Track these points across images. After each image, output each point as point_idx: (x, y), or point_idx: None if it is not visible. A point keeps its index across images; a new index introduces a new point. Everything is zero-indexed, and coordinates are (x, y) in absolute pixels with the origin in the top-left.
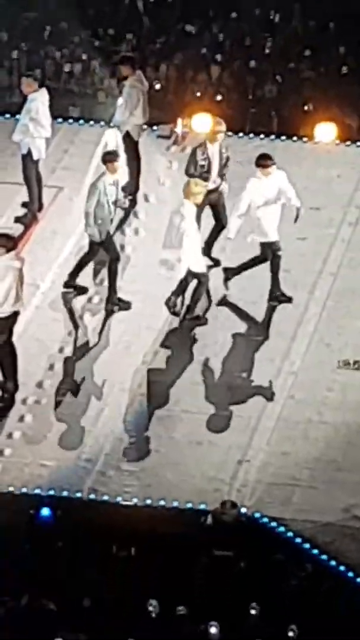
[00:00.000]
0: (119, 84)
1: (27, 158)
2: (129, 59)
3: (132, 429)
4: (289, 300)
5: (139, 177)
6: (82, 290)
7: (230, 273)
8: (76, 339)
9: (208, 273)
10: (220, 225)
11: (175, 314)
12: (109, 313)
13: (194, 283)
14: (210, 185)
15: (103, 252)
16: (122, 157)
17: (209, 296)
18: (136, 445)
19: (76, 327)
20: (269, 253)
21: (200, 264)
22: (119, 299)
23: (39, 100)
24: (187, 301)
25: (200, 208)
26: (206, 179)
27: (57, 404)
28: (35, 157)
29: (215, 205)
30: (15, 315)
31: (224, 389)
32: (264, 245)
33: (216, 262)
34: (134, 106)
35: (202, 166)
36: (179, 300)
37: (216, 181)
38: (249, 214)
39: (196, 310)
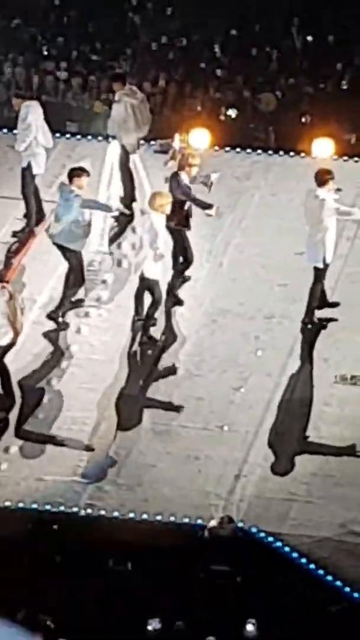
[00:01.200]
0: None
1: (26, 172)
2: (119, 76)
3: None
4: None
5: (134, 191)
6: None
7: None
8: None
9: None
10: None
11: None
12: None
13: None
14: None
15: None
16: (116, 172)
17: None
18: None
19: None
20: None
21: (158, 273)
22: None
23: (31, 110)
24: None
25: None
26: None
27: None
28: (34, 172)
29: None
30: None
31: (222, 403)
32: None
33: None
34: (122, 120)
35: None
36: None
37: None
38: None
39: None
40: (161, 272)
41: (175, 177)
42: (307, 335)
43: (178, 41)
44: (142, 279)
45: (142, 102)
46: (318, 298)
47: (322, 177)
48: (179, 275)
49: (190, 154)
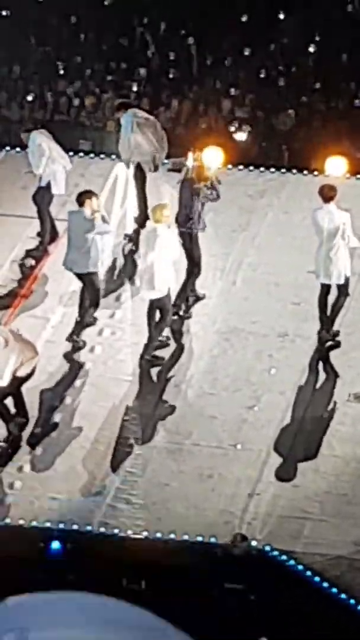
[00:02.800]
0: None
1: (44, 190)
2: (122, 104)
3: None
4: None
5: (147, 210)
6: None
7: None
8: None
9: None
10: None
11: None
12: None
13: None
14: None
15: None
16: (131, 190)
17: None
18: None
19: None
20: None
21: (168, 290)
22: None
23: (37, 135)
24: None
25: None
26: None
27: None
28: (53, 192)
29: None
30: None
31: (235, 422)
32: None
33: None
34: (131, 141)
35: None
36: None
37: None
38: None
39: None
40: (171, 284)
41: (186, 186)
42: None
43: (192, 60)
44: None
45: (152, 125)
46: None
47: (328, 194)
48: (191, 277)
49: (207, 168)
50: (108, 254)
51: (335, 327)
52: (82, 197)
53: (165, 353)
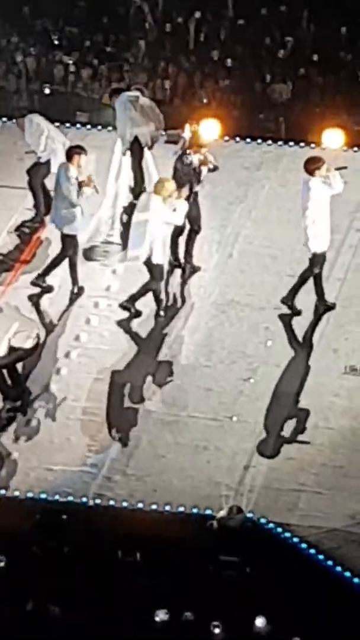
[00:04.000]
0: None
1: (42, 166)
2: (117, 91)
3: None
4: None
5: (143, 182)
6: (49, 289)
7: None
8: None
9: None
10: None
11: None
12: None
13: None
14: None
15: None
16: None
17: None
18: None
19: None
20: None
21: (161, 257)
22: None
23: (33, 116)
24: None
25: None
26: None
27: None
28: (53, 170)
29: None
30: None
31: (231, 394)
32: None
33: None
34: (127, 117)
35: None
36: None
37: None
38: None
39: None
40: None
41: (180, 158)
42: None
43: (188, 31)
44: (147, 263)
45: (147, 105)
46: (303, 283)
47: (309, 167)
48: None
49: (202, 136)
50: (93, 224)
51: (331, 300)
52: (71, 152)
53: (161, 325)
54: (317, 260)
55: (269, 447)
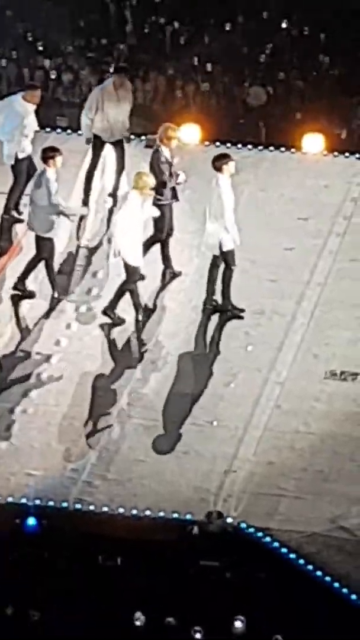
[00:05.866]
0: None
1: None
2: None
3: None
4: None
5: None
6: (30, 295)
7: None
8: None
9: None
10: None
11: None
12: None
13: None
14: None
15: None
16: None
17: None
18: None
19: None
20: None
21: (137, 258)
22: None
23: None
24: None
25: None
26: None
27: None
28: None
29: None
30: None
31: (211, 399)
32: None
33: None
34: (89, 109)
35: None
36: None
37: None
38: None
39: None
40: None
41: (156, 153)
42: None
43: (169, 36)
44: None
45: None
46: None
47: (215, 164)
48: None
49: (170, 128)
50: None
51: (312, 306)
52: (47, 154)
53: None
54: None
55: (164, 444)
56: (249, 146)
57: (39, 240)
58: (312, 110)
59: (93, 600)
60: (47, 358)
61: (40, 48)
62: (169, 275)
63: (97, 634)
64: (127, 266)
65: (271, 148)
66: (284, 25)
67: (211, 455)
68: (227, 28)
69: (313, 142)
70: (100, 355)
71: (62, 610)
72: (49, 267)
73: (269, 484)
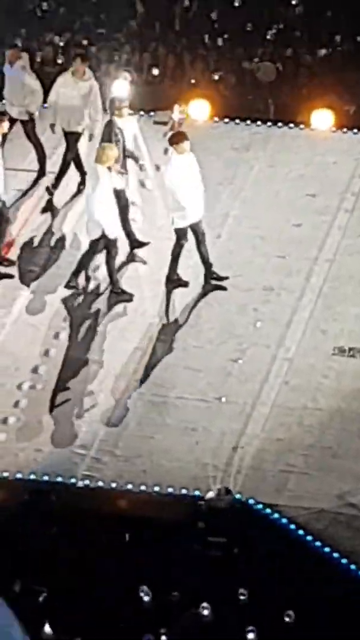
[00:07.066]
0: None
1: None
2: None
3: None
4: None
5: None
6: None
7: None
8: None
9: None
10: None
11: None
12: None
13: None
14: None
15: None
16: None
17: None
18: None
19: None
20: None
21: (113, 230)
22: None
23: None
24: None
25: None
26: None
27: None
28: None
29: None
30: None
31: (219, 375)
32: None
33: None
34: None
35: (118, 141)
36: (80, 279)
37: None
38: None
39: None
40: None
41: (109, 124)
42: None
43: (177, 11)
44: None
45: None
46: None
47: (170, 140)
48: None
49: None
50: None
51: (320, 282)
52: None
53: (150, 306)
54: (181, 233)
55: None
56: (258, 122)
57: None
58: (321, 86)
59: (100, 576)
60: (56, 335)
61: (50, 23)
62: (134, 244)
63: (105, 609)
64: (108, 241)
65: (280, 124)
66: (293, 1)
67: (219, 432)
68: (236, 4)
69: (322, 119)
70: (108, 331)
71: (69, 586)
72: None
73: (277, 460)
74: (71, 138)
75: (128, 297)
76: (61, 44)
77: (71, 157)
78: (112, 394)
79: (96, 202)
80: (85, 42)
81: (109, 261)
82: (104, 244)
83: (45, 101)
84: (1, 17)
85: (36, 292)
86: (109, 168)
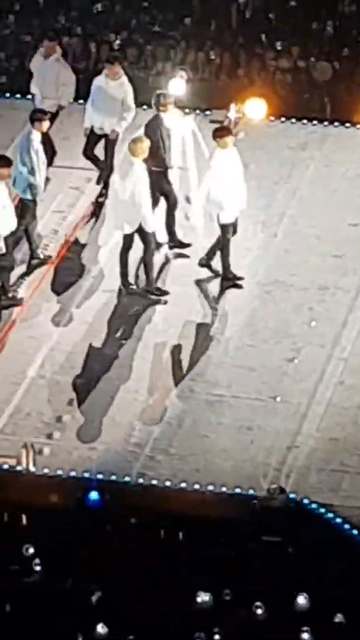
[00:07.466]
0: None
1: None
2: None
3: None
4: None
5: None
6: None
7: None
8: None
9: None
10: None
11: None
12: None
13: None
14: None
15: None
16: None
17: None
18: None
19: None
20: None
21: (153, 224)
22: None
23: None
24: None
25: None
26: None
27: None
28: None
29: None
30: None
31: (274, 374)
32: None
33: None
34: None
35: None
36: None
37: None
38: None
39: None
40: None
41: (155, 119)
42: None
43: (233, 10)
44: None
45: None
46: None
47: (214, 134)
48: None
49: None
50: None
51: None
52: (35, 117)
53: (204, 307)
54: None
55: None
56: (314, 122)
57: (21, 202)
58: None
59: (153, 574)
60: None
61: (105, 22)
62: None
63: (157, 608)
64: (145, 235)
65: (336, 123)
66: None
67: (274, 431)
68: (293, 3)
69: None
70: (160, 331)
71: (122, 585)
72: (28, 233)
73: (332, 460)
74: (109, 141)
75: (163, 296)
76: (118, 42)
77: (112, 160)
78: (158, 392)
79: (137, 195)
80: (141, 40)
81: (147, 258)
82: (140, 238)
83: (77, 98)
84: (59, 17)
85: (90, 290)
86: (144, 160)
